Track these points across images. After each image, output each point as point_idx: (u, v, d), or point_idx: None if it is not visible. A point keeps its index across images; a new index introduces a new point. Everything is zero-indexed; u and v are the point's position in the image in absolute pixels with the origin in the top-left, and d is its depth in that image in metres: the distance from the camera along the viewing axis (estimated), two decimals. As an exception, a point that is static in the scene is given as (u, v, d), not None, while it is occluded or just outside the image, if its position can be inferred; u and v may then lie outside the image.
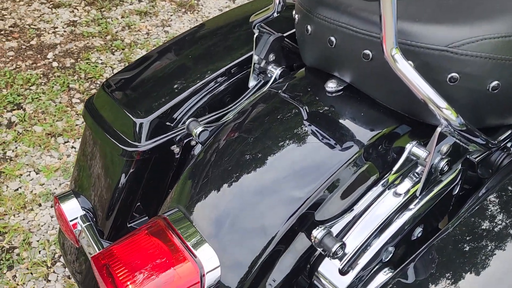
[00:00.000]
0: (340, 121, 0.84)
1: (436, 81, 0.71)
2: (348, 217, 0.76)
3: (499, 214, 0.71)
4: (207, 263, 0.74)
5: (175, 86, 1.07)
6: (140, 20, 2.99)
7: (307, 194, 0.77)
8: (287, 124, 0.86)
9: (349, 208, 0.77)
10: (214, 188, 0.82)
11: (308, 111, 0.87)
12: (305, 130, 0.84)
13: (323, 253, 0.75)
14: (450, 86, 0.72)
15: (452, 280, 0.65)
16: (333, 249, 0.69)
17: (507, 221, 0.70)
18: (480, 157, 0.83)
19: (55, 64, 2.60)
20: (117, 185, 1.04)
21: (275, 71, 1.02)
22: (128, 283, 0.71)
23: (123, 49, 2.73)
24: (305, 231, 0.77)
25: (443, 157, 0.74)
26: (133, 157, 1.00)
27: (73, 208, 0.95)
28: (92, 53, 2.68)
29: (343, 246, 0.70)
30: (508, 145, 0.89)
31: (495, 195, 0.74)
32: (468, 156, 0.82)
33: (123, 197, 1.05)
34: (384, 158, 0.81)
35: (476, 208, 0.72)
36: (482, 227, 0.69)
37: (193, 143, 1.07)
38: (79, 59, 2.64)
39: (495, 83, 0.72)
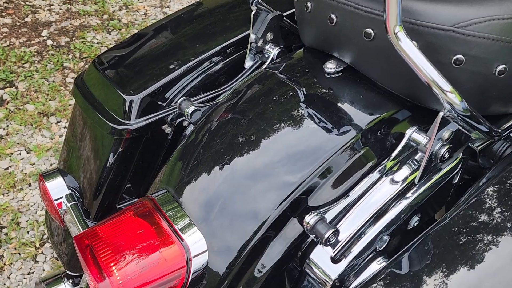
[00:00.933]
0: (338, 104, 0.80)
1: (441, 63, 0.68)
2: (342, 203, 0.73)
3: (497, 207, 0.68)
4: (194, 247, 0.71)
5: (168, 64, 1.03)
6: (138, 0, 2.93)
7: (301, 178, 0.74)
8: (283, 106, 0.83)
9: (344, 195, 0.74)
10: (204, 170, 0.79)
11: (305, 93, 0.83)
12: (301, 112, 0.81)
13: (315, 239, 0.72)
14: (454, 68, 0.68)
15: (447, 272, 0.62)
16: (326, 236, 0.66)
17: (506, 214, 0.67)
18: (482, 145, 0.80)
19: (49, 42, 2.54)
20: (105, 164, 1.00)
21: (272, 51, 0.98)
22: (112, 264, 0.68)
23: (119, 29, 2.68)
24: (298, 217, 0.74)
25: (444, 143, 0.71)
26: (123, 135, 0.97)
27: (58, 187, 0.92)
28: (88, 32, 2.63)
29: (336, 233, 0.67)
30: (511, 135, 0.86)
31: (495, 187, 0.71)
32: (470, 144, 0.78)
33: (112, 177, 1.01)
34: (382, 144, 0.78)
35: (475, 199, 0.70)
36: (480, 219, 0.66)
37: (185, 123, 1.04)
38: (74, 38, 2.59)
39: (502, 67, 0.69)
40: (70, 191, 0.92)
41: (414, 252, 0.66)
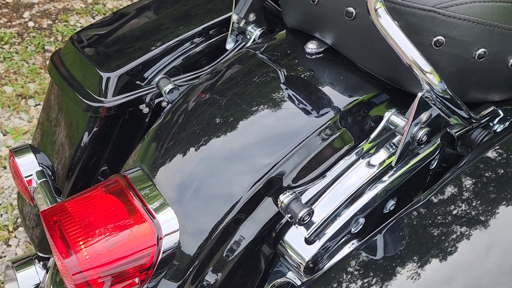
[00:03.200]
0: (318, 85, 0.79)
1: (421, 44, 0.67)
2: (318, 184, 0.72)
3: (472, 191, 0.67)
4: (166, 225, 0.70)
5: (148, 42, 1.01)
6: (124, -15, 2.87)
7: (276, 159, 0.72)
8: (263, 86, 0.81)
9: (320, 176, 0.73)
10: (180, 151, 0.77)
11: (285, 73, 0.82)
12: (280, 94, 0.79)
13: (289, 220, 0.71)
14: (435, 50, 0.68)
15: (418, 256, 0.61)
16: (300, 215, 0.65)
17: (480, 199, 0.66)
18: (461, 132, 0.79)
19: (31, 24, 2.49)
20: (80, 143, 0.98)
21: (254, 32, 0.96)
22: (79, 240, 0.66)
23: (104, 14, 2.63)
24: (272, 197, 0.72)
25: (422, 126, 0.70)
26: (99, 113, 0.94)
27: (29, 163, 0.89)
28: (71, 15, 2.58)
29: (310, 212, 0.66)
30: (490, 124, 0.86)
31: (470, 172, 0.70)
32: (448, 130, 0.78)
33: (86, 157, 0.99)
34: (360, 126, 0.77)
35: (447, 184, 0.69)
36: (453, 203, 0.65)
37: (164, 104, 1.02)
38: (57, 21, 2.53)
39: (481, 50, 0.68)
40: (42, 168, 0.89)
41: (384, 234, 0.64)
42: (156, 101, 1.01)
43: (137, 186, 0.73)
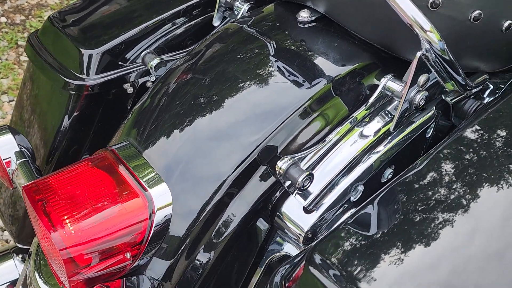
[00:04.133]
0: (310, 55, 0.77)
1: (418, 6, 0.65)
2: (316, 151, 0.70)
3: (466, 158, 0.66)
4: (159, 199, 0.66)
5: (131, 21, 0.97)
6: (100, -19, 2.81)
7: (270, 129, 0.70)
8: (252, 60, 0.79)
9: (317, 143, 0.71)
10: (170, 125, 0.74)
11: (275, 46, 0.79)
12: (271, 67, 0.77)
13: (287, 189, 0.68)
14: (431, 12, 0.67)
15: (411, 223, 0.58)
16: (300, 179, 0.62)
17: (475, 164, 0.65)
18: (455, 99, 0.78)
19: (3, 19, 2.40)
20: (61, 124, 0.93)
21: (242, 7, 0.94)
22: (65, 214, 0.62)
23: (79, 10, 2.56)
24: (268, 166, 0.70)
25: (420, 89, 0.69)
26: (81, 91, 0.90)
27: (7, 144, 0.84)
28: (45, 11, 2.50)
29: (310, 177, 0.63)
30: (481, 95, 0.86)
31: (465, 138, 0.69)
32: (443, 97, 0.77)
33: (68, 139, 0.94)
34: (355, 94, 0.75)
35: (436, 154, 0.66)
36: (438, 173, 0.63)
37: (148, 84, 0.98)
38: (30, 16, 2.46)
39: (477, 12, 0.68)
40: (21, 149, 0.85)
41: (379, 202, 0.61)
42: (141, 81, 0.98)
43: (127, 160, 0.70)
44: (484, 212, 0.55)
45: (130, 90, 0.96)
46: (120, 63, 0.94)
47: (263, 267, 0.74)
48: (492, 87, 0.86)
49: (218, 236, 0.70)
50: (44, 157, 0.95)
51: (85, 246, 0.61)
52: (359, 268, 0.50)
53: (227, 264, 0.73)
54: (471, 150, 0.67)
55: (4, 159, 0.84)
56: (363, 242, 0.54)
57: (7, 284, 1.09)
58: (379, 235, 0.55)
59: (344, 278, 0.49)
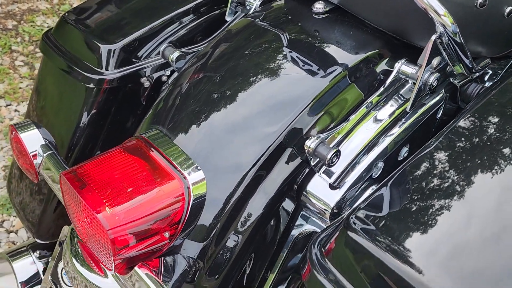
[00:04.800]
0: (324, 45, 0.81)
1: (429, -7, 0.71)
2: (339, 131, 0.74)
3: (475, 135, 0.70)
4: (193, 178, 0.69)
5: (146, 16, 1.00)
6: (90, -14, 2.83)
7: (295, 114, 0.74)
8: (268, 52, 0.83)
9: (339, 124, 0.75)
10: (197, 111, 0.77)
11: (289, 37, 0.83)
12: (286, 57, 0.81)
13: (313, 168, 0.72)
14: (440, -1, 0.72)
15: (434, 192, 0.61)
16: (329, 156, 0.67)
17: (485, 139, 0.69)
18: (462, 82, 0.84)
19: (-5, 25, 2.40)
20: (80, 119, 0.95)
21: (254, 2, 0.98)
22: (108, 199, 0.65)
23: (71, 14, 2.57)
24: (294, 148, 0.74)
25: (433, 71, 0.74)
26: (100, 85, 0.93)
27: (33, 138, 0.86)
28: (37, 16, 2.51)
29: (338, 153, 0.68)
30: (484, 79, 0.91)
31: (472, 118, 0.73)
32: (451, 80, 0.82)
33: (87, 133, 0.97)
34: (370, 80, 0.80)
35: (454, 130, 0.71)
36: (459, 146, 0.67)
37: (164, 78, 1.01)
38: (22, 22, 2.45)
39: (482, -1, 0.73)
40: (46, 141, 0.87)
41: (392, 184, 0.65)
42: (155, 76, 1.01)
43: (158, 145, 0.73)
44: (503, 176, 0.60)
45: (147, 84, 0.99)
46: (137, 55, 0.97)
47: (290, 245, 0.78)
48: (491, 72, 0.92)
49: (247, 217, 0.74)
50: (64, 151, 0.97)
51: (128, 226, 0.64)
52: (395, 230, 0.55)
53: (256, 242, 0.77)
54: (478, 128, 0.72)
55: (30, 153, 0.86)
56: (395, 209, 0.58)
57: (26, 280, 1.11)
58: (407, 202, 0.59)
59: (382, 238, 0.54)
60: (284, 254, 0.79)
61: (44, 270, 1.12)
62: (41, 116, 1.01)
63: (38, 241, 1.10)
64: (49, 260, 1.13)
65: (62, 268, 0.86)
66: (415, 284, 0.50)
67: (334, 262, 0.56)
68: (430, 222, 0.56)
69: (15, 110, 2.01)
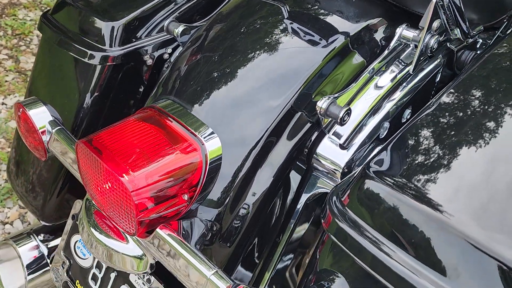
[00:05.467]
0: (325, 15, 0.84)
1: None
2: (348, 92, 0.77)
3: (471, 94, 0.73)
4: (208, 142, 0.71)
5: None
6: (71, -21, 2.79)
7: (303, 80, 0.76)
8: (269, 25, 0.85)
9: (347, 87, 0.78)
10: (206, 84, 0.78)
11: (289, 9, 0.86)
12: (288, 29, 0.83)
13: (323, 129, 0.75)
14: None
15: (442, 142, 0.64)
16: (341, 115, 0.69)
17: (481, 98, 0.72)
18: (458, 47, 0.88)
19: (-24, 19, 2.35)
20: (84, 95, 0.96)
21: (253, -23, 1.00)
22: (128, 163, 0.66)
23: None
24: (303, 112, 0.76)
25: (434, 34, 0.77)
26: (105, 62, 0.93)
27: (41, 115, 0.86)
28: (18, 9, 2.47)
29: (349, 112, 0.70)
30: (475, 46, 0.96)
31: (468, 80, 0.77)
32: (448, 45, 0.86)
33: (92, 109, 0.97)
34: (372, 46, 0.83)
35: (452, 91, 0.74)
36: (458, 103, 0.71)
37: (165, 56, 1.02)
38: (4, 15, 2.41)
39: (478, -36, 0.77)
40: (54, 118, 0.87)
41: (408, 132, 0.67)
42: (157, 54, 1.02)
43: (171, 112, 0.75)
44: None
45: (149, 61, 1.00)
46: (138, 36, 0.98)
47: (302, 206, 0.81)
48: (481, 41, 0.96)
49: (260, 183, 0.76)
50: (69, 128, 0.97)
51: (150, 188, 0.66)
52: (409, 174, 0.58)
53: (271, 204, 0.79)
54: (474, 88, 0.75)
55: (39, 128, 0.86)
56: (406, 158, 0.61)
57: (31, 263, 1.11)
58: (417, 152, 0.62)
59: (397, 183, 0.57)
60: (297, 215, 0.81)
61: (49, 253, 1.12)
62: (44, 95, 1.01)
63: (43, 223, 1.10)
64: (54, 243, 1.13)
65: (76, 242, 0.87)
66: (433, 220, 0.53)
67: (354, 209, 0.59)
68: (439, 166, 0.60)
69: (2, 103, 1.98)
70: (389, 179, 0.58)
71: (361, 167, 0.63)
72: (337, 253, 0.62)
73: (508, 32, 0.90)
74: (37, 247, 1.12)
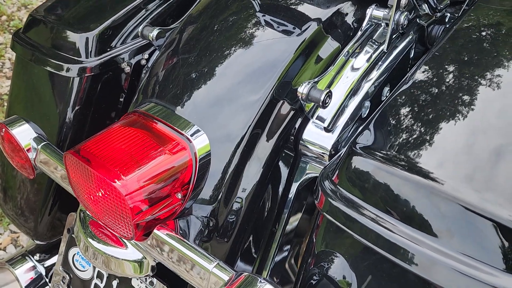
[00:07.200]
0: (296, 3, 0.86)
1: None
2: (327, 75, 0.78)
3: (443, 67, 0.75)
4: (196, 140, 0.72)
5: (116, 2, 1.01)
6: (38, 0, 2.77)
7: (280, 69, 0.78)
8: (241, 20, 0.86)
9: (325, 70, 0.79)
10: (187, 83, 0.79)
11: (261, 2, 0.87)
12: (260, 22, 0.84)
13: (307, 115, 0.76)
14: None
15: (421, 115, 0.65)
16: (322, 97, 0.71)
17: (453, 70, 0.74)
18: (427, 22, 0.90)
19: None
20: (65, 109, 0.96)
21: (221, -25, 1.01)
22: (118, 168, 0.66)
23: (22, 28, 2.51)
24: (285, 100, 0.77)
25: (403, 11, 0.79)
26: (82, 74, 0.93)
27: (24, 133, 0.86)
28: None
29: (330, 94, 0.72)
30: (444, 21, 0.98)
31: (439, 52, 0.79)
32: (418, 21, 0.88)
33: (75, 122, 0.97)
34: (345, 30, 0.85)
35: (425, 65, 0.76)
36: (432, 76, 0.72)
37: (143, 62, 1.03)
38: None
39: None
40: (38, 135, 0.87)
41: (388, 106, 0.68)
42: (134, 61, 1.02)
43: (155, 114, 0.75)
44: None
45: (127, 69, 1.00)
46: (113, 44, 0.98)
47: (294, 193, 0.82)
48: (449, 14, 0.99)
49: (251, 173, 0.77)
50: (54, 143, 0.97)
51: (143, 190, 0.66)
52: (394, 147, 0.60)
53: (263, 196, 0.80)
54: (445, 60, 0.78)
55: (24, 146, 0.86)
56: (389, 133, 0.63)
57: (30, 284, 1.10)
58: (398, 126, 0.64)
59: (384, 155, 0.58)
60: (290, 203, 0.83)
61: (46, 272, 1.11)
62: (25, 115, 1.00)
63: (38, 242, 1.09)
64: (51, 262, 1.13)
65: (74, 255, 0.87)
66: (424, 188, 0.55)
67: (345, 186, 0.60)
68: (423, 136, 0.61)
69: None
70: (376, 153, 0.59)
71: (347, 145, 0.64)
72: (333, 233, 0.64)
73: (473, 4, 0.93)
74: (34, 267, 1.12)
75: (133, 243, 0.73)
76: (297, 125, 0.80)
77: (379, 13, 0.81)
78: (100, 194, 0.68)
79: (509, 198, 0.54)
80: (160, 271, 0.75)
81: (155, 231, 0.68)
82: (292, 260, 0.93)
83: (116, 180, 0.65)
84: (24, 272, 1.11)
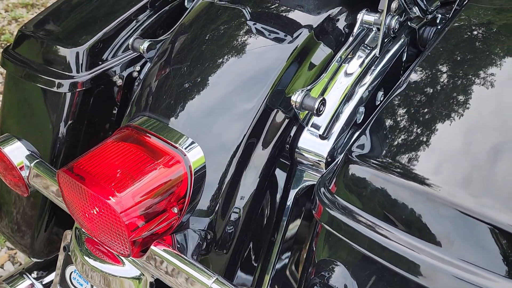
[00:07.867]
0: (287, 11, 0.85)
1: None
2: (320, 83, 0.78)
3: (437, 68, 0.75)
4: (190, 153, 0.71)
5: (104, 16, 1.00)
6: (28, 12, 2.76)
7: (272, 80, 0.77)
8: (231, 30, 0.85)
9: (318, 78, 0.79)
10: (180, 94, 0.78)
11: (250, 10, 0.87)
12: (251, 31, 0.84)
13: (301, 123, 0.76)
14: None
15: (417, 119, 0.65)
16: (316, 105, 0.70)
17: (446, 71, 0.74)
18: (419, 25, 0.90)
19: None
20: (58, 125, 0.95)
21: (210, -15, 1.00)
22: (113, 185, 0.65)
23: (14, 42, 2.50)
24: (279, 109, 0.77)
25: (394, 15, 0.79)
26: (74, 89, 0.93)
27: (16, 151, 0.85)
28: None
29: (324, 102, 0.71)
30: (435, 22, 0.98)
31: (432, 54, 0.78)
32: (409, 24, 0.88)
33: (68, 137, 0.96)
34: (336, 36, 0.84)
35: (418, 67, 0.76)
36: (426, 79, 0.72)
37: (134, 74, 1.02)
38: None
39: None
40: (30, 152, 0.86)
41: (382, 113, 0.68)
42: (126, 73, 1.01)
43: (149, 128, 0.74)
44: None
45: (119, 82, 0.99)
46: (104, 58, 0.98)
47: (292, 201, 0.81)
48: (440, 16, 0.99)
49: (247, 183, 0.76)
50: (47, 159, 0.96)
51: (138, 206, 0.65)
52: (392, 154, 0.59)
53: (261, 205, 0.80)
54: (439, 62, 0.77)
55: (17, 164, 0.85)
56: (387, 138, 0.62)
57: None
58: (393, 132, 0.64)
59: (380, 163, 0.58)
60: (287, 217, 0.82)
61: (45, 289, 1.10)
62: (17, 132, 0.99)
63: (35, 260, 1.08)
64: (49, 279, 1.12)
65: (71, 273, 0.85)
66: (421, 194, 0.54)
67: (343, 195, 0.59)
68: (419, 142, 0.61)
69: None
70: (372, 161, 0.59)
71: (343, 153, 0.64)
72: (332, 242, 0.63)
73: (464, 4, 0.93)
74: (32, 285, 1.10)
75: (130, 260, 0.72)
76: (292, 133, 0.80)
77: (370, 17, 0.80)
78: (95, 212, 0.67)
79: (507, 202, 0.53)
80: (159, 287, 0.74)
81: (152, 247, 0.67)
82: (293, 266, 0.92)
83: (110, 197, 0.64)
84: (23, 290, 1.10)
